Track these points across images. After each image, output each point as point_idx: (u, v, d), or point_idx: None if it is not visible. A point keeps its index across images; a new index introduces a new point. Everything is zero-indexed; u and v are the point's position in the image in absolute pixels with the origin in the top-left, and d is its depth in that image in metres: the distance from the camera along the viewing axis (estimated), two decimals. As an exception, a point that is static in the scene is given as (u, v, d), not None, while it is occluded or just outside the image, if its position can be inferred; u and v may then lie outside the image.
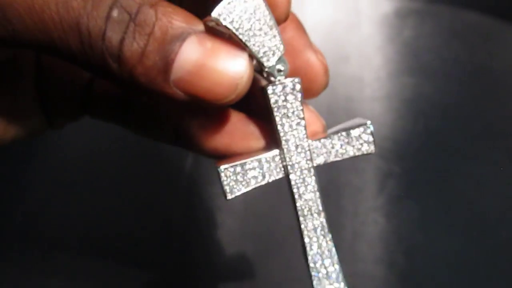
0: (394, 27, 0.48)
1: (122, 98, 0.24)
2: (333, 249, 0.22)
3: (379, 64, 0.45)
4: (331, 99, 0.42)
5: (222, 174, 0.21)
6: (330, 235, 0.22)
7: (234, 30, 0.18)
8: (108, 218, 0.37)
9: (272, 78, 0.21)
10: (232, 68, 0.18)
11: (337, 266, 0.22)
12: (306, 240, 0.22)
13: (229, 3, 0.18)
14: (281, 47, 0.20)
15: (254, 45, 0.19)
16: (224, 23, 0.18)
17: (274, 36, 0.19)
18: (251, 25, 0.19)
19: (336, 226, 0.36)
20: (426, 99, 0.43)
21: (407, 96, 0.43)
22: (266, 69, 0.20)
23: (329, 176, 0.38)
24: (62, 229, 0.37)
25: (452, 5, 0.49)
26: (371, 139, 0.22)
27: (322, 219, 0.22)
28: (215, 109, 0.22)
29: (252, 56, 0.19)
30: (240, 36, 0.18)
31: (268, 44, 0.19)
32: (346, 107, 0.42)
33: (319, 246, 0.22)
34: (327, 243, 0.22)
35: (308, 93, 0.23)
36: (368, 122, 0.22)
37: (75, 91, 0.24)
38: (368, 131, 0.22)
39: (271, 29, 0.19)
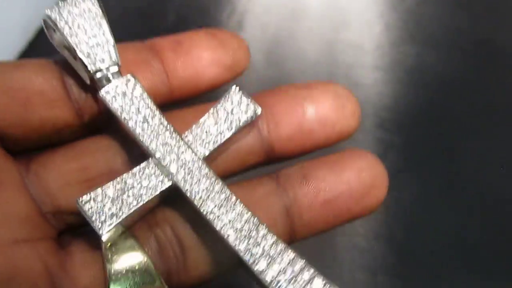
0: (397, -6, 0.46)
1: None
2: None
3: (380, 32, 0.43)
4: (331, 67, 0.40)
5: (85, 207, 0.18)
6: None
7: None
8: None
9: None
10: None
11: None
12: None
13: None
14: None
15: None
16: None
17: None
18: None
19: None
20: (428, 69, 0.41)
21: (409, 65, 0.41)
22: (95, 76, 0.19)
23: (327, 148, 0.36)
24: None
25: (457, -28, 0.47)
26: (244, 99, 0.18)
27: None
28: None
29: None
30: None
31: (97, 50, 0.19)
32: (346, 74, 0.40)
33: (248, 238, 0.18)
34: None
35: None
36: (233, 86, 0.19)
37: None
38: (238, 93, 0.19)
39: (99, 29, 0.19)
